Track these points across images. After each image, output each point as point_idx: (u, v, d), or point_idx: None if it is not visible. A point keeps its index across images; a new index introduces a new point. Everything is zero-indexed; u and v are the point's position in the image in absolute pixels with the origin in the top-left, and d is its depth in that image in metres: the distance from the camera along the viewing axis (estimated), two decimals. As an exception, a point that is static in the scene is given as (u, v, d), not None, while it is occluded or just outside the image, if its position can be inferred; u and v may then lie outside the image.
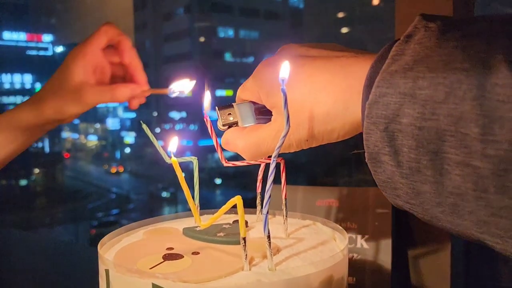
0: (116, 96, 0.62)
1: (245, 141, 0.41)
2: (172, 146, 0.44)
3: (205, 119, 0.45)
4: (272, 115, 0.41)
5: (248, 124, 0.43)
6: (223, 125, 0.44)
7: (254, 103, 0.44)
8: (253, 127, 0.42)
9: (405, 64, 0.29)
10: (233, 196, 0.38)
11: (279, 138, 0.39)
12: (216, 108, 0.45)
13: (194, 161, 0.50)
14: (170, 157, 0.44)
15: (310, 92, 0.36)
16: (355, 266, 0.66)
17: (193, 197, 0.50)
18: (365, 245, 0.66)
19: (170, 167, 0.45)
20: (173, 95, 0.58)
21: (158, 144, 0.52)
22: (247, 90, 0.42)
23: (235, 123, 0.44)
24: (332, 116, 0.36)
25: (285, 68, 0.36)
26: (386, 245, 0.65)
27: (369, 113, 0.31)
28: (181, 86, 0.57)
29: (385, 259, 0.65)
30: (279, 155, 0.40)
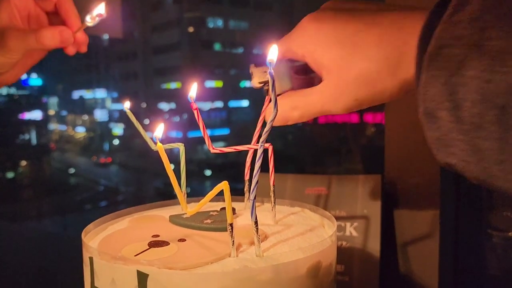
0: (42, 40, 0.54)
1: (301, 109, 0.40)
2: (158, 132, 0.43)
3: (191, 106, 0.44)
4: (309, 74, 0.40)
5: (284, 84, 0.42)
6: (259, 83, 0.43)
7: (291, 60, 0.42)
8: (304, 93, 0.40)
9: (471, 13, 0.27)
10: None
11: (331, 102, 0.37)
12: (252, 65, 0.43)
13: (181, 147, 0.49)
14: (155, 143, 0.43)
15: (358, 49, 0.34)
16: (344, 254, 0.66)
17: (180, 185, 0.49)
18: (354, 233, 0.66)
19: (160, 159, 0.44)
20: (92, 23, 0.54)
21: (143, 130, 0.51)
22: (287, 47, 0.40)
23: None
24: (384, 74, 0.34)
25: (273, 51, 0.36)
26: (375, 232, 0.65)
27: (428, 65, 0.28)
28: (97, 10, 0.52)
29: (374, 246, 0.65)
30: (267, 141, 0.39)
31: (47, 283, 1.06)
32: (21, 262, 1.11)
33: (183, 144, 0.49)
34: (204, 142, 0.45)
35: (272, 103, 0.35)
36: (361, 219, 0.66)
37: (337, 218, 0.66)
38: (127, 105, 0.51)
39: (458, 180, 0.72)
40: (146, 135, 0.50)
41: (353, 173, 0.72)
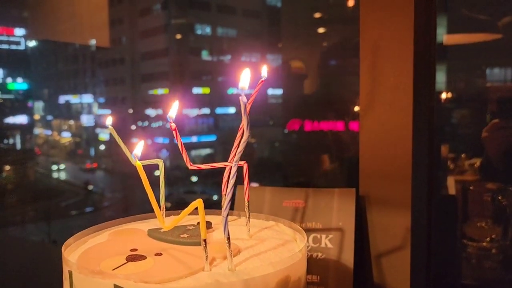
0: None
1: None
2: (137, 149, 0.45)
3: (170, 126, 0.46)
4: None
5: None
6: None
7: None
8: None
9: None
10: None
11: None
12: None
13: (160, 163, 0.51)
14: (135, 160, 0.45)
15: None
16: (319, 265, 0.68)
17: (159, 200, 0.51)
18: (329, 245, 0.68)
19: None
20: None
21: (125, 147, 0.53)
22: None
23: None
24: None
25: (245, 77, 0.38)
26: (349, 244, 0.67)
27: None
28: None
29: (348, 258, 0.67)
30: (242, 158, 0.41)
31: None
32: (4, 269, 1.11)
33: (162, 161, 0.51)
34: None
35: (244, 126, 0.37)
36: (336, 231, 0.68)
37: (313, 230, 0.69)
38: (109, 121, 0.53)
39: (430, 194, 0.75)
40: (127, 151, 0.51)
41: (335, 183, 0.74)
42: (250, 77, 0.39)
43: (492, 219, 0.97)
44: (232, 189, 0.40)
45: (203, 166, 0.49)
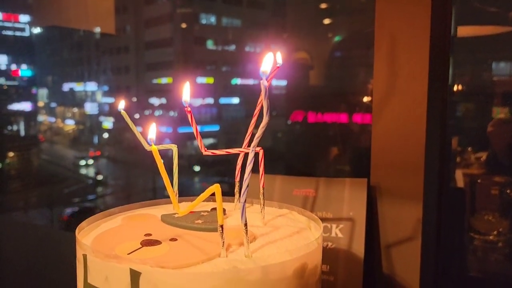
0: None
1: None
2: (151, 133, 0.45)
3: (185, 110, 0.45)
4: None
5: None
6: None
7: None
8: None
9: None
10: (211, 183, 0.38)
11: None
12: None
13: (174, 148, 0.51)
14: (150, 144, 0.44)
15: None
16: (329, 254, 0.68)
17: (172, 184, 0.51)
18: (340, 234, 0.68)
19: (149, 152, 0.46)
20: None
21: (137, 131, 0.52)
22: None
23: None
24: None
25: (266, 61, 0.37)
26: (360, 234, 0.67)
27: None
28: None
29: (358, 248, 0.67)
30: (258, 144, 0.41)
31: (32, 274, 1.06)
32: (6, 253, 1.12)
33: (176, 146, 0.51)
34: (194, 138, 0.47)
35: (264, 110, 0.37)
36: (346, 221, 0.68)
37: (324, 220, 0.69)
38: (121, 105, 0.52)
39: (440, 186, 0.74)
40: (140, 136, 0.51)
41: (342, 174, 0.74)
42: (271, 62, 0.38)
43: (500, 213, 0.97)
44: (249, 175, 0.39)
45: (218, 152, 0.48)
